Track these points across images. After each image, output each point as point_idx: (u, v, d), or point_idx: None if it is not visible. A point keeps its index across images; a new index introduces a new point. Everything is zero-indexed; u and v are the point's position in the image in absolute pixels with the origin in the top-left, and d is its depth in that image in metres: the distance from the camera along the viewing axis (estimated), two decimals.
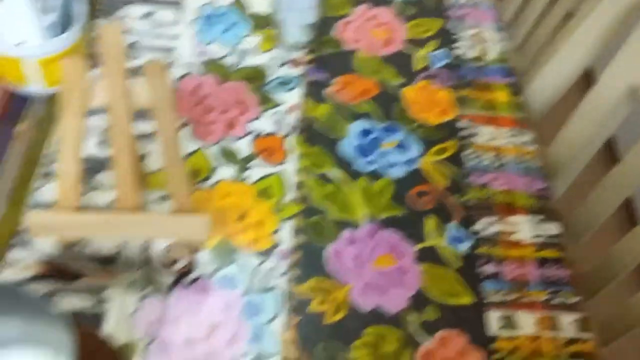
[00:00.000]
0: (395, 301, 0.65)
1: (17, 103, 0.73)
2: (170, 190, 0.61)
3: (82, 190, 0.63)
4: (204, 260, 0.65)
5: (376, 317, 0.64)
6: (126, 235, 0.63)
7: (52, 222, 0.58)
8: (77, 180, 0.60)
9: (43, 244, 0.61)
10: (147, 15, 0.84)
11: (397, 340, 0.62)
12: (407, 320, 0.64)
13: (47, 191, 0.65)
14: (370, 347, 0.62)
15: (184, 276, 0.63)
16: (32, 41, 0.69)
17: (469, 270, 0.68)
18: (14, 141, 0.69)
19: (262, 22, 0.87)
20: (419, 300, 0.65)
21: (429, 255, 0.69)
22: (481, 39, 0.92)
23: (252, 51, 0.84)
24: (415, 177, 0.75)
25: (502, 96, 0.85)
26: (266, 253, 0.66)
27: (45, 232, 0.60)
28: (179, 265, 0.64)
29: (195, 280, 0.63)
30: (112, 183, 0.64)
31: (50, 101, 0.72)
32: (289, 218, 0.69)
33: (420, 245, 0.69)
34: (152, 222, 0.61)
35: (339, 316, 0.63)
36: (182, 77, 0.78)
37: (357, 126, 0.78)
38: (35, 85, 0.71)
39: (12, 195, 0.65)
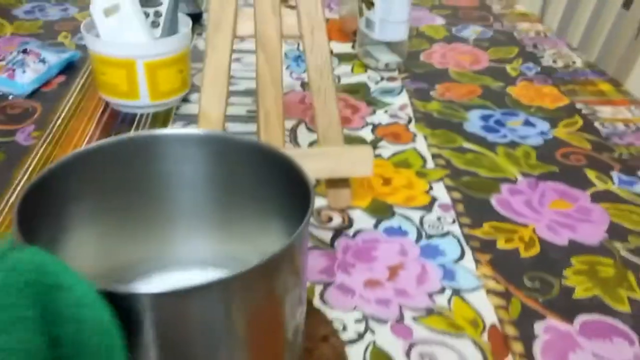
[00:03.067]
0: (591, 235, 0.55)
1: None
2: (321, 130, 0.54)
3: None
4: (362, 217, 0.56)
5: (578, 248, 0.53)
6: None
7: None
8: (221, 121, 0.53)
9: None
10: None
11: (613, 265, 0.51)
12: (614, 247, 0.53)
13: None
14: (586, 274, 0.50)
15: (343, 231, 0.53)
16: (144, 46, 0.66)
17: None
18: None
19: (347, 57, 0.87)
20: (618, 232, 0.55)
21: (606, 197, 0.60)
22: (562, 55, 0.91)
23: (346, 75, 0.82)
24: (556, 142, 0.69)
25: (606, 87, 0.82)
26: (427, 207, 0.57)
27: None
28: (335, 222, 0.55)
29: (357, 232, 0.53)
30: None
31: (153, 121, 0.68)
32: (437, 180, 0.61)
33: (592, 190, 0.61)
34: (314, 155, 0.53)
35: (535, 251, 0.53)
36: (286, 94, 0.75)
37: (475, 113, 0.74)
38: (143, 96, 0.67)
39: None
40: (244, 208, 0.40)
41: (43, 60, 0.74)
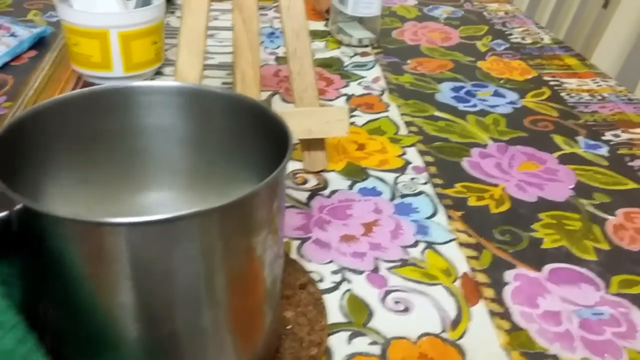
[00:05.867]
0: (558, 192, 0.57)
1: None
2: (297, 93, 0.55)
3: None
4: (337, 179, 0.57)
5: (546, 204, 0.55)
6: None
7: None
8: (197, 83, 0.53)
9: None
10: None
11: (580, 219, 0.53)
12: (580, 203, 0.55)
13: None
14: (554, 227, 0.52)
15: (318, 191, 0.54)
16: (118, 16, 0.66)
17: (620, 165, 0.61)
18: None
19: (321, 34, 0.88)
20: (583, 189, 0.57)
21: (572, 159, 0.62)
22: (530, 32, 0.94)
23: (320, 50, 0.83)
24: (524, 111, 0.70)
25: (572, 61, 0.84)
26: (400, 170, 0.58)
27: None
28: (310, 184, 0.55)
29: (333, 193, 0.54)
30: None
31: None
32: (410, 146, 0.62)
33: (559, 153, 0.63)
34: (290, 115, 0.54)
35: (505, 207, 0.54)
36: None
37: (447, 85, 0.75)
38: (116, 67, 0.67)
39: None
40: (220, 160, 0.40)
41: (14, 35, 0.73)
